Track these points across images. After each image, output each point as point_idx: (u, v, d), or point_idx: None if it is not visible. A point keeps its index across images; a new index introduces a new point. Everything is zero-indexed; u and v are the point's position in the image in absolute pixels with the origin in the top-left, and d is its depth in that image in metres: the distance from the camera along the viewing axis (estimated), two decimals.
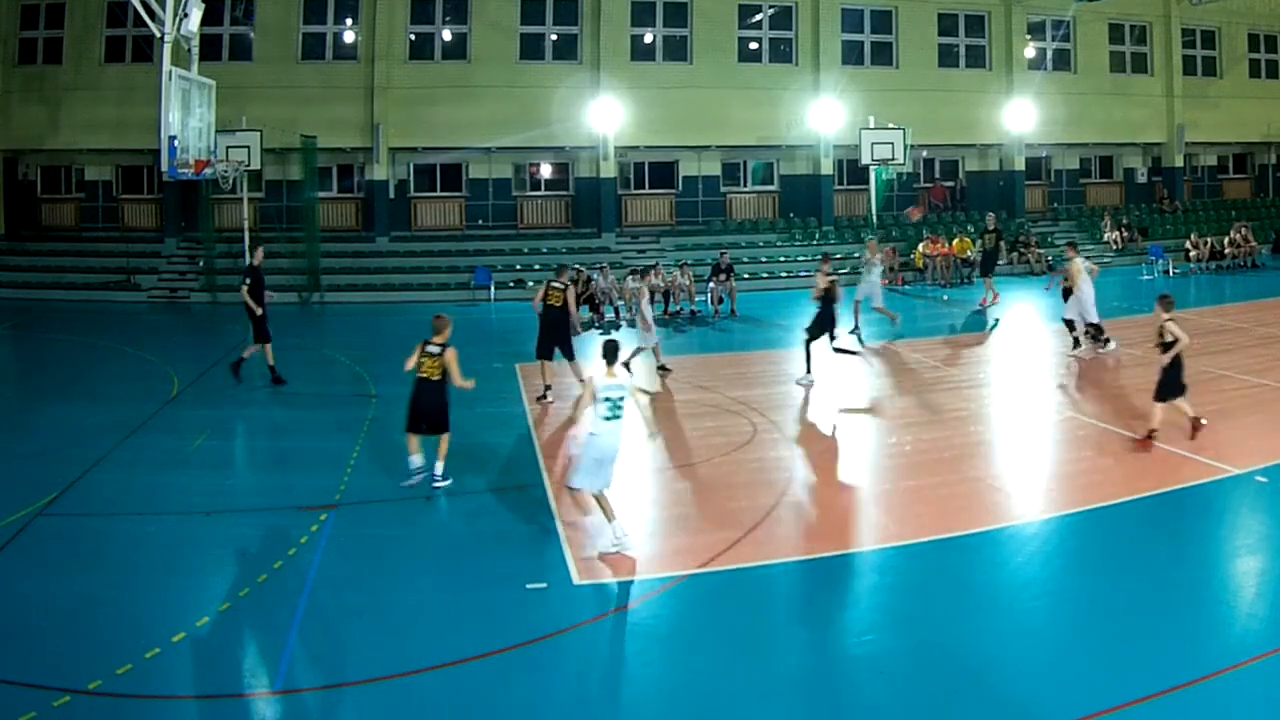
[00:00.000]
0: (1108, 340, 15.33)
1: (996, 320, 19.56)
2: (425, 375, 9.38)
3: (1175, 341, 10.08)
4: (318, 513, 8.90)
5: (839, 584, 7.51)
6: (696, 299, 21.95)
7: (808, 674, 6.14)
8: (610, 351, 7.86)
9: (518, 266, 25.16)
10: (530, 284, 23.71)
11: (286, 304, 23.21)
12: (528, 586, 7.32)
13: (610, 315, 20.75)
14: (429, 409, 9.40)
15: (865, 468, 10.37)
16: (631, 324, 20.26)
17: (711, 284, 21.79)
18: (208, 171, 17.08)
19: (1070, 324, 15.54)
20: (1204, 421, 10.45)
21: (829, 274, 14.35)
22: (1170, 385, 10.23)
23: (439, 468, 9.50)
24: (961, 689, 5.86)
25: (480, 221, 28.08)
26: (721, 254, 22.39)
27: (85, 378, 15.49)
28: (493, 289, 24.13)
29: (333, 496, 9.33)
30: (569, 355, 13.35)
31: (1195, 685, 5.71)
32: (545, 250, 26.19)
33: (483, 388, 14.26)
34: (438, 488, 9.45)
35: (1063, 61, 30.18)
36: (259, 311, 14.04)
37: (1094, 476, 9.57)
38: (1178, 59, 30.79)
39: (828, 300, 14.09)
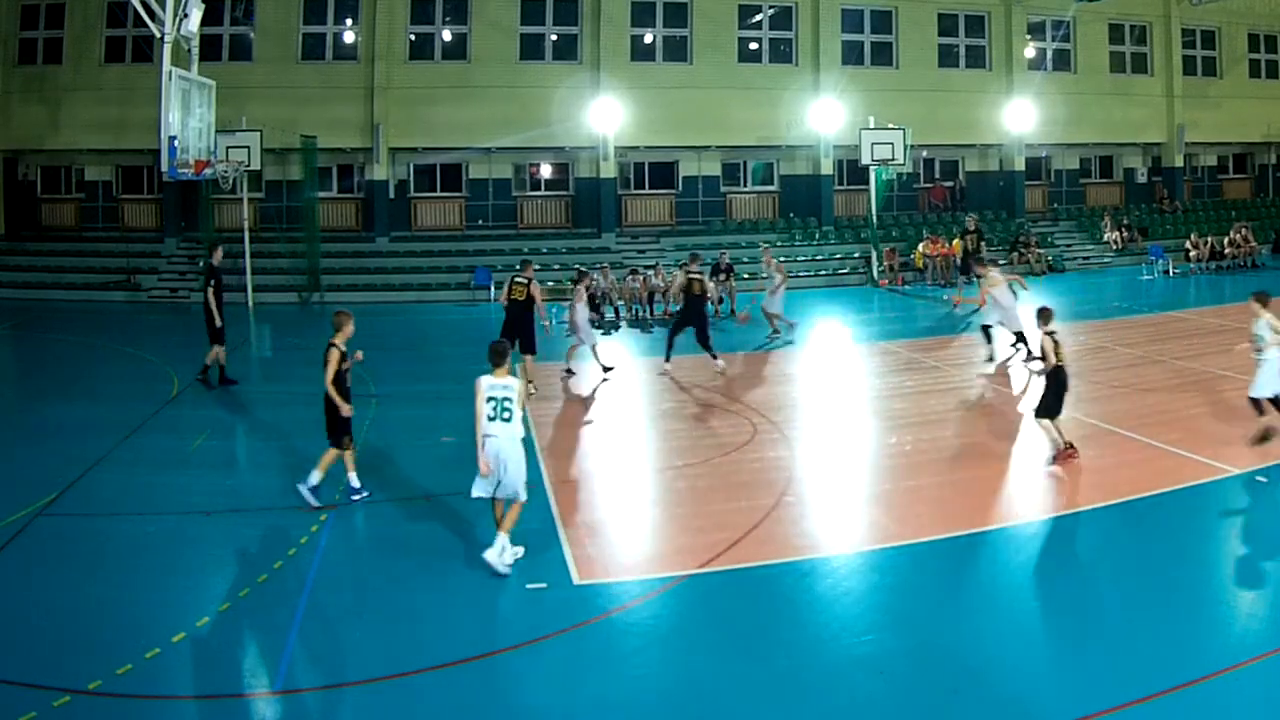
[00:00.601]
0: (1030, 355, 14.38)
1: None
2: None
3: (1051, 356, 9.62)
4: (318, 513, 8.90)
5: (839, 584, 7.50)
6: None
7: (807, 674, 6.14)
8: (497, 353, 7.65)
9: (518, 267, 25.10)
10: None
11: (287, 304, 23.28)
12: (528, 586, 7.32)
13: (610, 315, 20.75)
14: (323, 412, 9.08)
15: (865, 468, 10.37)
16: (631, 324, 20.31)
17: (711, 284, 21.78)
18: (208, 172, 17.09)
19: (988, 330, 15.12)
20: (1075, 453, 9.79)
21: (694, 272, 14.80)
22: (1050, 402, 9.76)
23: (315, 476, 8.98)
24: (961, 689, 5.86)
25: (480, 221, 28.09)
26: (721, 254, 22.42)
27: (85, 378, 15.49)
28: (493, 289, 24.08)
29: (333, 496, 9.32)
30: (528, 349, 13.62)
31: (1195, 685, 5.71)
32: (545, 250, 26.18)
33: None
34: (315, 506, 8.89)
35: (1063, 61, 30.18)
36: (219, 323, 13.78)
37: (1094, 476, 9.56)
38: (1178, 59, 30.79)
39: (693, 299, 14.65)
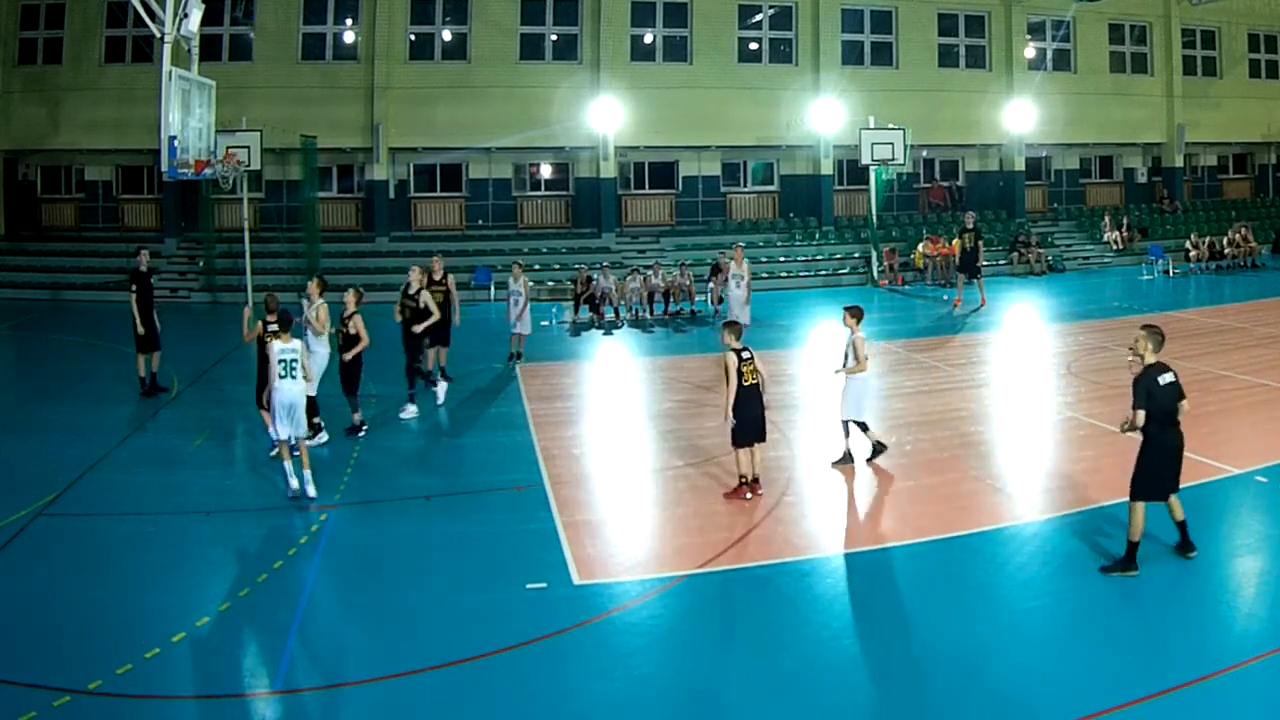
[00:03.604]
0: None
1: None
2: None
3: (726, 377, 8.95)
4: (318, 513, 8.91)
5: (839, 584, 7.51)
6: (696, 299, 21.96)
7: (807, 674, 6.14)
8: (284, 322, 9.62)
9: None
10: (530, 284, 23.68)
11: (287, 304, 23.21)
12: (528, 586, 7.33)
13: (610, 315, 20.75)
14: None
15: (865, 468, 10.37)
16: (632, 323, 20.31)
17: (711, 284, 21.81)
18: (208, 171, 17.06)
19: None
20: (761, 490, 9.21)
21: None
22: (735, 432, 9.05)
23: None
24: (961, 689, 5.86)
25: (480, 221, 28.08)
26: (720, 254, 22.41)
27: (86, 377, 15.49)
28: (493, 289, 24.10)
29: (333, 496, 9.33)
30: (445, 343, 14.21)
31: (1195, 685, 5.71)
32: (545, 250, 26.19)
33: (483, 387, 14.36)
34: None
35: (1063, 61, 30.17)
36: (141, 330, 13.46)
37: (1094, 476, 9.57)
38: (1178, 59, 30.78)
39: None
